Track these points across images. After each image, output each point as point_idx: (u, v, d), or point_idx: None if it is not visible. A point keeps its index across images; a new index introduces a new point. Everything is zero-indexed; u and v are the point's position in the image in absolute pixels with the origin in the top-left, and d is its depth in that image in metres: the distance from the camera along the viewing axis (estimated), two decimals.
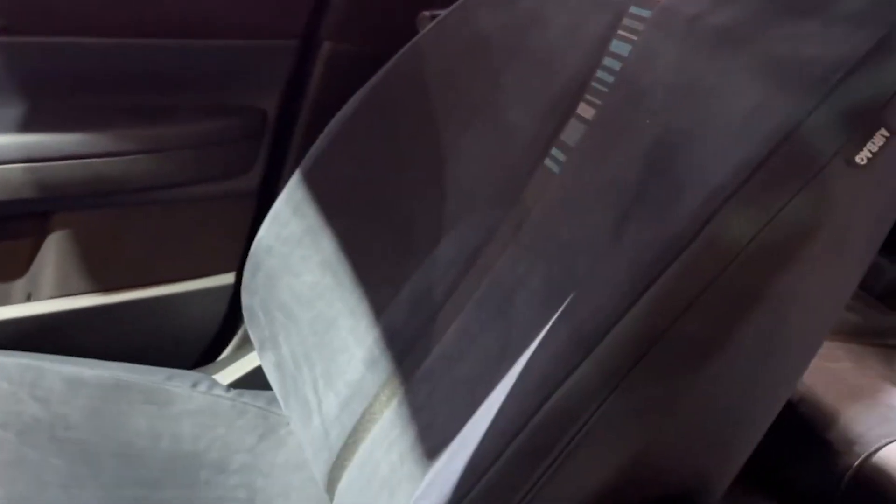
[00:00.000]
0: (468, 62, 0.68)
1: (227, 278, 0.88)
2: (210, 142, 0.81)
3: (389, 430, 0.59)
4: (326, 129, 0.73)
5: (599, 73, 0.56)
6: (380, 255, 0.68)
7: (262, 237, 0.74)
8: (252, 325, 0.76)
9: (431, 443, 0.53)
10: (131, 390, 0.72)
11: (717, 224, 0.41)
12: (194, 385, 0.76)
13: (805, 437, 0.77)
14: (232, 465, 0.72)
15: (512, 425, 0.44)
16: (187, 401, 0.74)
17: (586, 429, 0.42)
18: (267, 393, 0.78)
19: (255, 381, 0.81)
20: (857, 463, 0.72)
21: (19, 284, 0.82)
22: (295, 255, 0.72)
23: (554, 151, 0.57)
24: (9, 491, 0.61)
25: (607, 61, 0.56)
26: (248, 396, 0.78)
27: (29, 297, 0.82)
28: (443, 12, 0.72)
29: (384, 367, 0.63)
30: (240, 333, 0.91)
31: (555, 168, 0.56)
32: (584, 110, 0.56)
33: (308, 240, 0.71)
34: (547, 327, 0.46)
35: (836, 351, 0.84)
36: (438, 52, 0.70)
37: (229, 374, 0.85)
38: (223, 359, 0.91)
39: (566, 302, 0.46)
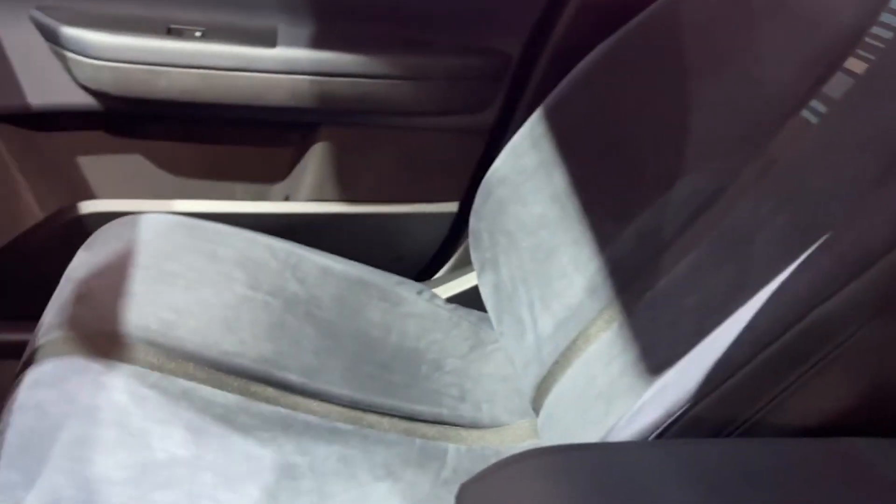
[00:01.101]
0: (723, 16, 0.70)
1: (451, 206, 0.96)
2: (458, 77, 0.88)
3: (609, 348, 0.63)
4: (572, 73, 0.77)
5: (875, 29, 0.56)
6: (609, 192, 0.72)
7: (497, 167, 0.80)
8: (476, 247, 0.83)
9: (655, 360, 0.57)
10: (369, 287, 0.82)
11: None
12: (419, 293, 0.85)
13: None
14: (447, 366, 0.79)
15: (765, 336, 0.46)
16: (412, 305, 0.83)
17: (844, 346, 0.44)
18: (477, 312, 0.86)
19: (466, 300, 0.88)
20: None
21: (279, 187, 0.95)
22: (527, 185, 0.77)
23: (814, 103, 0.58)
24: (275, 346, 0.72)
25: (886, 17, 0.56)
26: (463, 311, 0.85)
27: (287, 199, 0.95)
28: None
29: (605, 294, 0.67)
30: (456, 256, 0.99)
31: (813, 119, 0.57)
32: (854, 64, 0.56)
33: (541, 173, 0.76)
34: (801, 258, 0.48)
35: None
36: (693, 6, 0.72)
37: (444, 290, 0.93)
38: (439, 277, 0.99)
39: (822, 238, 0.48)
